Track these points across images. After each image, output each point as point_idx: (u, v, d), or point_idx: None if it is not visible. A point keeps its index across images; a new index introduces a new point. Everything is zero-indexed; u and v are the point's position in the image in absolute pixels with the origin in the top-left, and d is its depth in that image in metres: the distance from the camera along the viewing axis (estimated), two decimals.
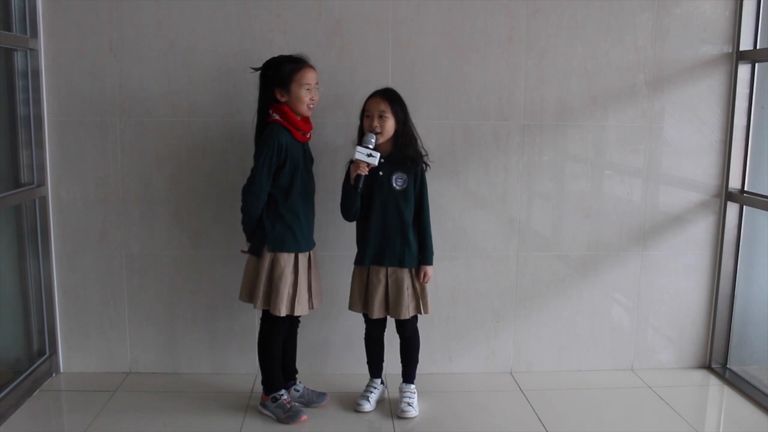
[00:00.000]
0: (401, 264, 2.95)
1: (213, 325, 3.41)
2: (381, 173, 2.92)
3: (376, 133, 2.86)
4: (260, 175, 2.79)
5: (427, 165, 3.00)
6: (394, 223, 2.93)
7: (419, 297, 2.99)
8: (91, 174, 3.28)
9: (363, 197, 2.96)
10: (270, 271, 2.86)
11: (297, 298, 2.87)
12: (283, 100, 2.81)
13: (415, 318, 3.04)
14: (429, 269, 3.00)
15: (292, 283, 2.87)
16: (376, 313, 2.97)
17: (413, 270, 2.98)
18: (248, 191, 2.83)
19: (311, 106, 2.86)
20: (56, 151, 3.25)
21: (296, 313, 2.89)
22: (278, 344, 2.98)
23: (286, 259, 2.86)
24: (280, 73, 2.80)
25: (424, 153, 2.98)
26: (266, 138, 2.80)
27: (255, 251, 2.89)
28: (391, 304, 2.97)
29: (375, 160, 2.84)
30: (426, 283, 3.00)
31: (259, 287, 2.86)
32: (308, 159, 2.93)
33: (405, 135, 2.92)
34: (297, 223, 2.87)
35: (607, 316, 3.55)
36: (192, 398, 3.16)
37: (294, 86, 2.80)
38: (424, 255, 2.99)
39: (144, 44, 3.19)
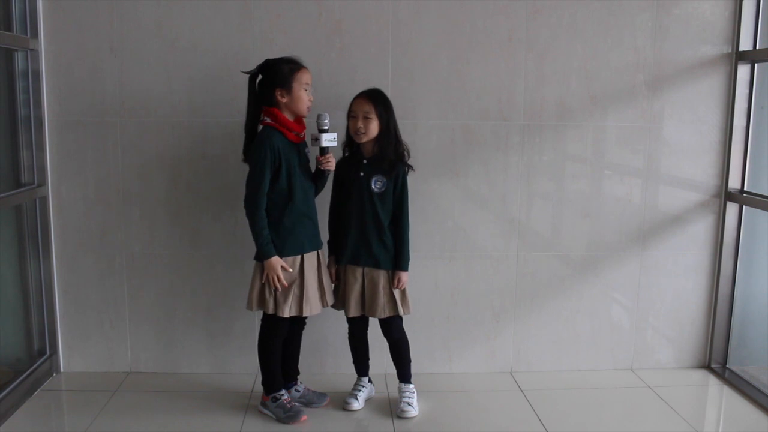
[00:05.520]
0: (377, 265, 2.95)
1: (213, 325, 3.41)
2: (362, 174, 2.92)
3: (362, 133, 2.87)
4: (259, 177, 2.76)
5: (409, 167, 2.98)
6: (370, 224, 2.93)
7: (396, 298, 2.96)
8: (91, 174, 3.28)
9: (341, 197, 2.98)
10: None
11: (305, 299, 2.87)
12: (283, 101, 2.80)
13: (399, 319, 3.03)
14: (403, 275, 2.97)
15: (299, 284, 2.87)
16: (352, 311, 2.98)
17: (390, 272, 2.97)
18: (249, 200, 2.81)
19: (309, 106, 2.86)
20: (57, 151, 3.25)
21: (305, 314, 2.88)
22: (278, 345, 2.97)
23: (291, 263, 2.85)
24: (281, 74, 2.79)
25: (406, 156, 2.97)
26: (259, 141, 2.79)
27: (260, 257, 2.87)
28: (367, 304, 2.97)
29: (335, 141, 2.88)
30: (400, 288, 2.97)
31: (266, 291, 2.86)
32: (303, 159, 2.92)
33: (388, 137, 2.91)
34: (300, 225, 2.86)
35: (606, 316, 3.56)
36: (192, 398, 3.17)
37: (295, 86, 2.79)
38: (399, 261, 2.96)
39: (144, 44, 3.19)
